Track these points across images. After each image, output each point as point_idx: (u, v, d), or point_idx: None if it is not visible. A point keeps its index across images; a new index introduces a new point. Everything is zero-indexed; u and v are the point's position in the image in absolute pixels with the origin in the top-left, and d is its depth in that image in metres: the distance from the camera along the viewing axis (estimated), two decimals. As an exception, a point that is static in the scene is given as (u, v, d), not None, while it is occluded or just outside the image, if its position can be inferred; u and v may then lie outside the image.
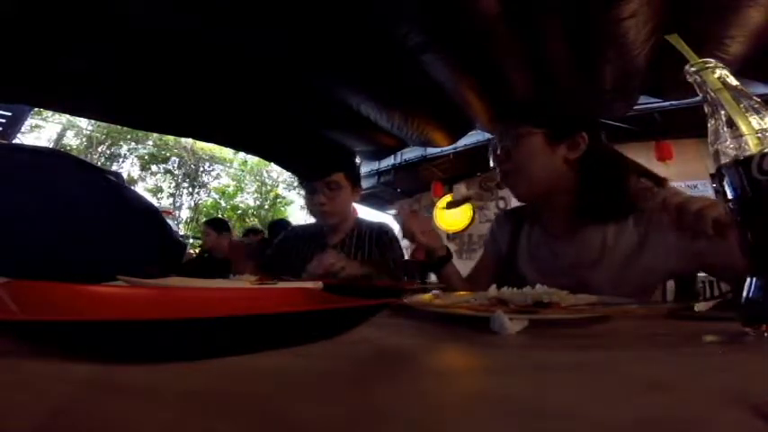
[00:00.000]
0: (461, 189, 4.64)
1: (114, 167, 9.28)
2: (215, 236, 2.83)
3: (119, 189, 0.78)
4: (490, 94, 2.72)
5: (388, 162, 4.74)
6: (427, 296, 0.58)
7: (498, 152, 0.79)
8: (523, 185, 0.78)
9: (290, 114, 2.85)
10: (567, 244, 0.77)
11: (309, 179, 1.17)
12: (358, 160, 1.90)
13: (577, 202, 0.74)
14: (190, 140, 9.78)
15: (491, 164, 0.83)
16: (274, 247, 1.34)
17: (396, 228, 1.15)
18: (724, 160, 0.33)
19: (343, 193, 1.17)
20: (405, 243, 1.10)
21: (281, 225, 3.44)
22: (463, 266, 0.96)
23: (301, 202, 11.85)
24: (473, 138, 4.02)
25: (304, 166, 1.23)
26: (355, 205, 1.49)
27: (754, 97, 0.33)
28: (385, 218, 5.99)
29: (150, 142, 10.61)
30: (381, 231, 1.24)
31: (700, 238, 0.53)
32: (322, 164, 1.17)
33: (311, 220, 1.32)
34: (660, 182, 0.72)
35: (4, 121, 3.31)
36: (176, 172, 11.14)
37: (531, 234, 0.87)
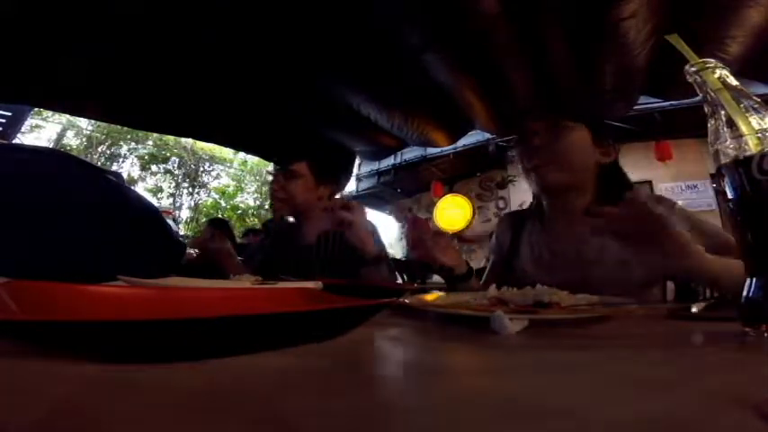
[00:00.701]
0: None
1: (114, 167, 9.27)
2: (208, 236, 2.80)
3: (119, 189, 0.78)
4: (490, 95, 2.73)
5: (388, 162, 4.74)
6: (427, 296, 0.58)
7: (535, 143, 0.80)
8: (557, 176, 0.79)
9: (290, 114, 2.85)
10: (568, 242, 0.80)
11: (278, 164, 1.11)
12: (357, 160, 1.87)
13: (592, 204, 0.77)
14: (190, 140, 9.77)
15: (513, 155, 0.87)
16: (268, 245, 1.30)
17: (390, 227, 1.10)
18: (724, 160, 0.33)
19: (300, 185, 1.09)
20: (402, 243, 1.07)
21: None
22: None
23: (301, 201, 11.82)
24: (473, 138, 4.02)
25: (282, 153, 1.17)
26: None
27: (754, 97, 0.33)
28: (385, 218, 6.00)
29: (150, 142, 10.61)
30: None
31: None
32: (286, 151, 1.12)
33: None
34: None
35: (4, 121, 3.31)
36: (176, 172, 11.13)
37: (533, 232, 0.89)
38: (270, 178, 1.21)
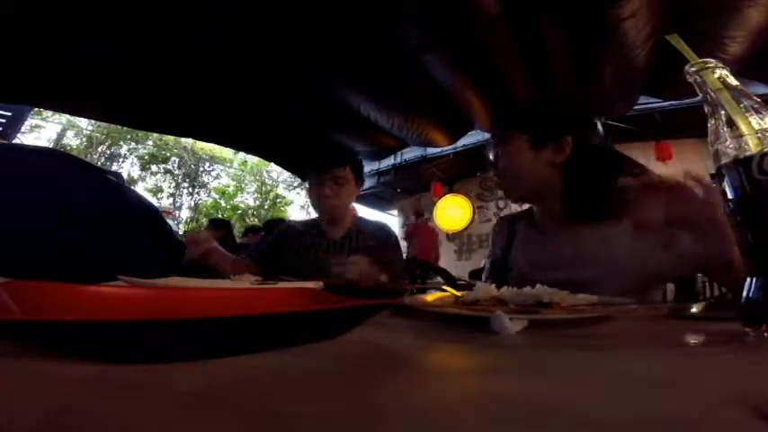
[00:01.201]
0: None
1: (114, 167, 9.27)
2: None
3: (119, 189, 0.78)
4: (490, 94, 2.73)
5: (388, 162, 4.74)
6: (428, 296, 0.58)
7: (491, 156, 0.83)
8: (510, 187, 0.81)
9: (290, 114, 2.85)
10: (557, 242, 0.78)
11: (318, 171, 1.16)
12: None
13: (563, 205, 0.76)
14: (190, 140, 9.77)
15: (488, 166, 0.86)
16: (270, 242, 1.32)
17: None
18: (724, 160, 0.32)
19: (348, 188, 1.17)
20: (404, 243, 1.11)
21: (277, 224, 3.43)
22: (463, 266, 0.98)
23: (301, 201, 11.86)
24: (473, 138, 4.02)
25: (313, 159, 1.22)
26: (355, 205, 1.48)
27: (754, 97, 0.32)
28: (385, 218, 6.00)
29: (150, 142, 10.61)
30: (382, 231, 1.24)
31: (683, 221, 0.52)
32: (331, 157, 1.18)
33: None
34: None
35: (4, 121, 3.31)
36: (176, 172, 11.13)
37: (526, 233, 0.89)
38: (302, 192, 1.31)
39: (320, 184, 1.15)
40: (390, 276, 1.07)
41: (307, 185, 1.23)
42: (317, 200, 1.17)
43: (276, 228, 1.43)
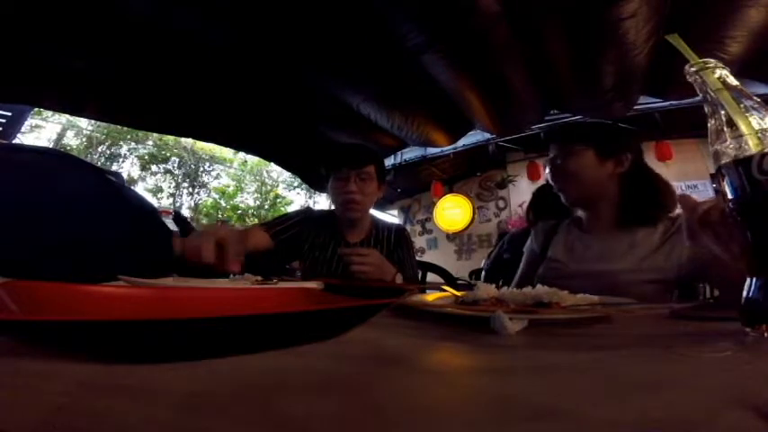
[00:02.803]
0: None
1: (114, 167, 9.26)
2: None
3: (119, 189, 0.78)
4: (490, 94, 2.72)
5: (389, 162, 4.72)
6: (428, 296, 0.58)
7: (553, 166, 0.93)
8: (572, 189, 0.92)
9: (290, 114, 2.85)
10: (600, 240, 0.89)
11: (344, 167, 1.14)
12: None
13: (619, 212, 0.88)
14: (190, 140, 9.76)
15: (545, 174, 0.96)
16: (290, 226, 1.25)
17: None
18: (724, 160, 0.32)
19: (372, 186, 1.16)
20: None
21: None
22: (463, 266, 0.99)
23: (301, 201, 11.85)
24: (473, 138, 4.02)
25: (339, 155, 1.20)
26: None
27: (754, 97, 0.32)
28: (385, 217, 6.00)
29: (150, 142, 10.60)
30: (399, 233, 1.23)
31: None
32: (358, 154, 1.16)
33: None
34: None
35: (4, 121, 3.31)
36: (176, 172, 11.12)
37: (569, 231, 0.98)
38: (302, 192, 1.31)
39: (346, 180, 1.12)
40: (405, 278, 1.09)
41: (306, 186, 1.23)
42: (340, 196, 1.14)
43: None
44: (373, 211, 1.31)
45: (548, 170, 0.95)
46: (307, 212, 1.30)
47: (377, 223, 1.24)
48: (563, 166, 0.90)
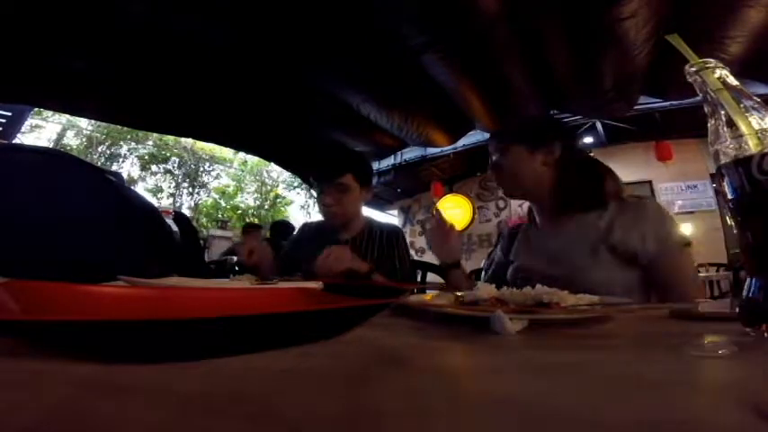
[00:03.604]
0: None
1: (114, 167, 9.26)
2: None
3: (119, 189, 0.78)
4: (490, 95, 2.72)
5: (388, 162, 4.73)
6: (427, 296, 0.58)
7: (492, 165, 0.98)
8: (511, 185, 0.96)
9: (290, 114, 2.85)
10: (554, 232, 0.91)
11: (319, 181, 1.18)
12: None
13: (557, 198, 0.90)
14: (190, 140, 9.76)
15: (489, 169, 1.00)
16: (291, 241, 1.36)
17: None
18: (724, 160, 0.32)
19: (351, 195, 1.18)
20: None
21: (282, 225, 3.44)
22: (463, 266, 1.01)
23: (301, 201, 11.86)
24: (473, 138, 4.02)
25: (314, 167, 1.25)
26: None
27: (754, 97, 0.32)
28: (385, 218, 6.00)
29: (150, 142, 10.60)
30: (392, 232, 1.25)
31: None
32: (330, 166, 1.18)
33: (312, 220, 1.33)
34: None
35: (4, 121, 3.31)
36: (176, 172, 11.13)
37: (528, 232, 1.02)
38: (302, 192, 1.35)
39: (322, 193, 1.17)
40: (401, 278, 1.15)
41: (306, 186, 1.25)
42: (321, 209, 1.20)
43: (282, 229, 1.47)
44: (373, 212, 1.34)
45: (489, 171, 1.01)
46: (305, 228, 1.36)
47: (371, 223, 1.27)
48: (498, 164, 0.95)
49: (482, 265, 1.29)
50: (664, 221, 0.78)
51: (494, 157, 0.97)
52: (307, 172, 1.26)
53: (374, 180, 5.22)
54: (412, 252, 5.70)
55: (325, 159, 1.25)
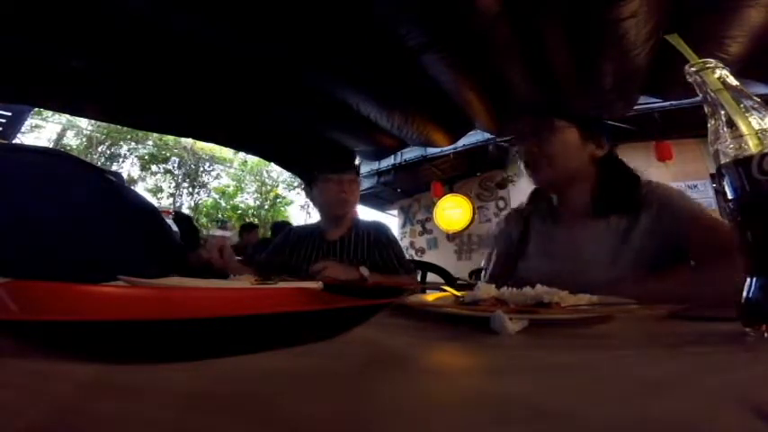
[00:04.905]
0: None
1: (114, 167, 9.25)
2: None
3: (119, 189, 0.78)
4: (490, 95, 2.72)
5: (388, 162, 4.73)
6: (428, 296, 0.58)
7: (530, 143, 0.85)
8: (552, 173, 0.83)
9: (289, 114, 2.85)
10: (580, 232, 0.83)
11: (337, 172, 1.26)
12: (357, 160, 2.02)
13: (595, 195, 0.82)
14: (190, 140, 9.76)
15: (514, 153, 0.89)
16: (274, 246, 1.37)
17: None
18: (724, 160, 0.32)
19: (358, 190, 1.31)
20: (405, 243, 1.16)
21: (283, 225, 3.45)
22: (463, 266, 0.99)
23: (301, 201, 11.85)
24: (473, 138, 4.02)
25: (332, 161, 1.34)
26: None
27: (754, 97, 0.32)
28: (385, 218, 6.00)
29: (150, 142, 10.59)
30: (379, 230, 1.27)
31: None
32: (345, 159, 1.32)
33: (312, 220, 1.36)
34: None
35: (4, 121, 3.31)
36: (176, 172, 11.12)
37: (542, 225, 0.91)
38: (302, 192, 1.42)
39: (340, 184, 1.24)
40: (395, 269, 1.20)
41: (316, 184, 1.28)
42: (335, 199, 1.25)
43: (283, 229, 1.49)
44: (373, 212, 1.40)
45: (516, 149, 0.88)
46: (289, 233, 1.39)
47: (357, 222, 1.32)
48: (544, 143, 0.82)
49: (482, 264, 1.28)
50: (680, 198, 0.75)
51: (533, 133, 0.85)
52: (318, 165, 1.34)
53: (373, 180, 5.22)
54: (412, 252, 5.69)
55: (341, 154, 1.35)
